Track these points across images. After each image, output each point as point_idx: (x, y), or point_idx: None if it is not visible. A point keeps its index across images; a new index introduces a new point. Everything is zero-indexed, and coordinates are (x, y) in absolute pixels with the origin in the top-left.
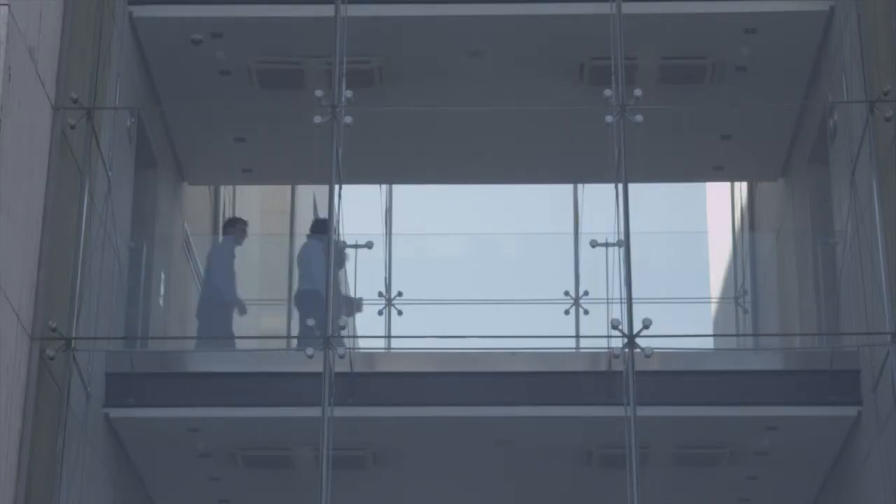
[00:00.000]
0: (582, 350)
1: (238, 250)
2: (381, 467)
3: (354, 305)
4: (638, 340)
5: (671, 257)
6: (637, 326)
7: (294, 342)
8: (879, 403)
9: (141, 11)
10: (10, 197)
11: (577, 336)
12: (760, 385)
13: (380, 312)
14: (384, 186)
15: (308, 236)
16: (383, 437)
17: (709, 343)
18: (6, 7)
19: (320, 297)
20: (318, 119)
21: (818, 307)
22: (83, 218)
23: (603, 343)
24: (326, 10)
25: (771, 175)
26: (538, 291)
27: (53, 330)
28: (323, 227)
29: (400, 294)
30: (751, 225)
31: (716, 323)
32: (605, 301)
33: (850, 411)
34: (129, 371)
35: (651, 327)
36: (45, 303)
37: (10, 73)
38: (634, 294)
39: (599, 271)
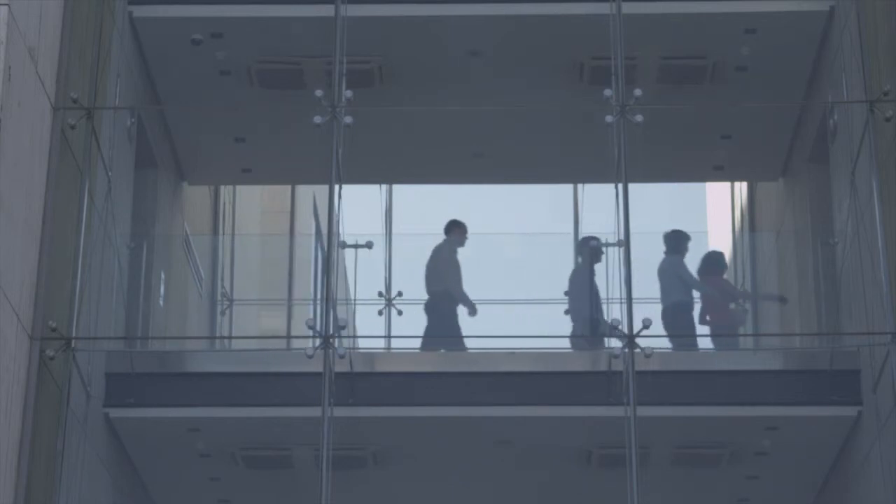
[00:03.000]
0: (582, 350)
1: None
2: (381, 467)
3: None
4: (638, 340)
5: None
6: (637, 326)
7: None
8: (879, 403)
9: (141, 11)
10: (10, 197)
11: (578, 336)
12: (760, 385)
13: (380, 312)
14: (384, 186)
15: (666, 253)
16: (383, 437)
17: (709, 343)
18: (6, 7)
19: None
20: (318, 119)
21: (818, 307)
22: (83, 218)
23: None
24: (326, 10)
25: (771, 175)
26: (538, 291)
27: (53, 330)
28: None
29: (400, 294)
30: (751, 225)
31: None
32: (605, 301)
33: (850, 411)
34: (129, 371)
35: (651, 327)
36: (45, 303)
37: (10, 73)
38: (634, 294)
39: (599, 271)
